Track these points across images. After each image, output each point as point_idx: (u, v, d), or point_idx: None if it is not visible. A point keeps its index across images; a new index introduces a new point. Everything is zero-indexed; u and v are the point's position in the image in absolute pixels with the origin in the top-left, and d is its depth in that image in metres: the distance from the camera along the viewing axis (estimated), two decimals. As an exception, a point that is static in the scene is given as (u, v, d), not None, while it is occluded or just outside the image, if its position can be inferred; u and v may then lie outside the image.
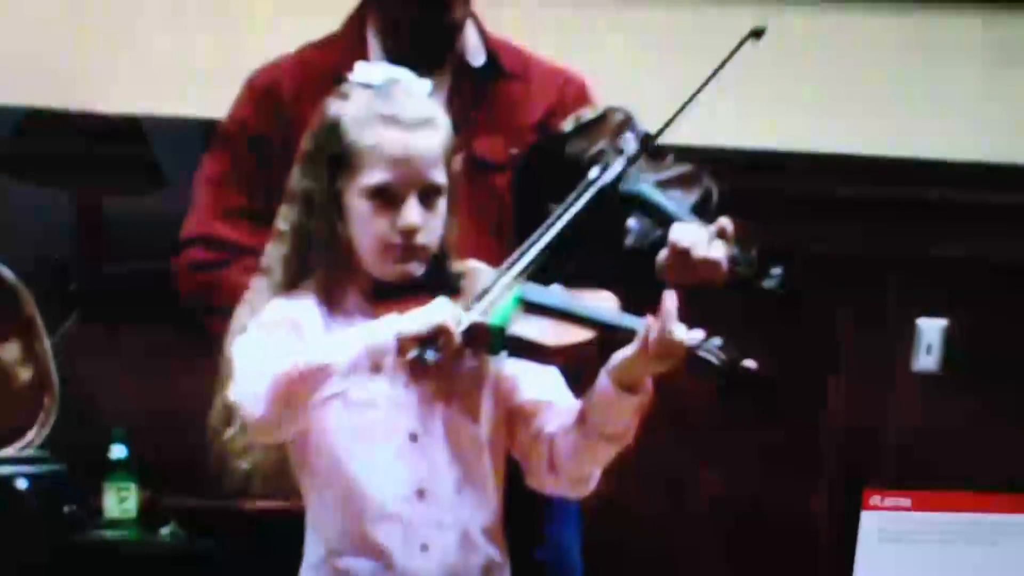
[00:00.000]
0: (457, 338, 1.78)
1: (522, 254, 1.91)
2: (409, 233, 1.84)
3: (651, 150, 2.12)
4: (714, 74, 2.10)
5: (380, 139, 1.84)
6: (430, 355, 1.77)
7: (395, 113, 1.85)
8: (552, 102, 2.32)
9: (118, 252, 3.39)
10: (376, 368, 1.76)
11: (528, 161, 2.25)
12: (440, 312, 1.79)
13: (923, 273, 3.43)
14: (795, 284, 2.06)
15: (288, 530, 1.96)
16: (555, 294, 1.87)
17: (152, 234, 3.15)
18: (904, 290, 3.49)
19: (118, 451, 3.19)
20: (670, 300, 1.76)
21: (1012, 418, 3.39)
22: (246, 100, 2.33)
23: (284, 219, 1.92)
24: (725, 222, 2.05)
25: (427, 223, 1.85)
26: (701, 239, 2.04)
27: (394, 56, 2.23)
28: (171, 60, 3.34)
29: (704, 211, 2.11)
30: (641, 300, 1.83)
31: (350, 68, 1.95)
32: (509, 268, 1.88)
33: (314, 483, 1.91)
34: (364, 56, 2.24)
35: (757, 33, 2.10)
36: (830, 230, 3.38)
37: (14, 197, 3.34)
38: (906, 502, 2.82)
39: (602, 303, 1.86)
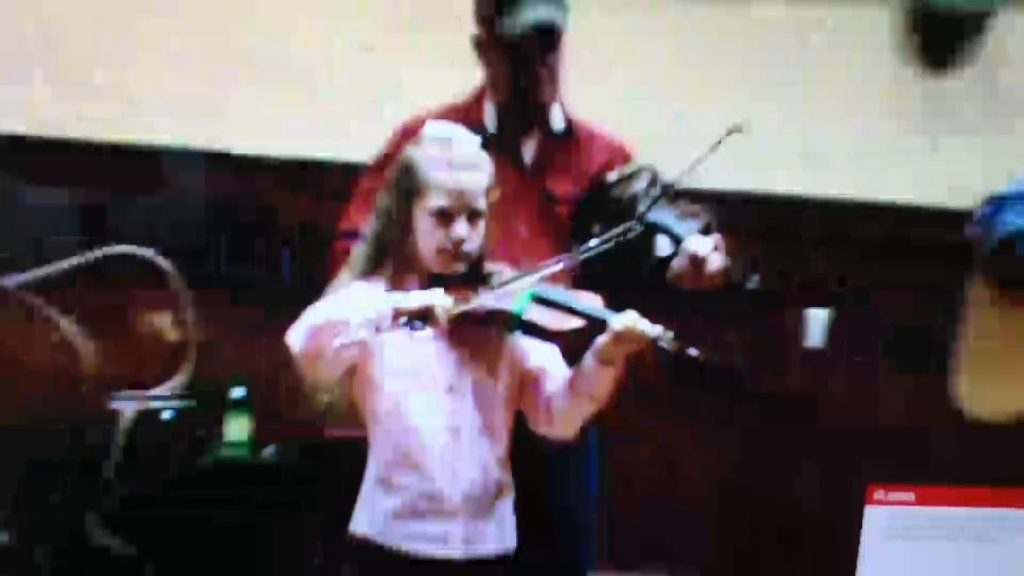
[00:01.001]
0: (441, 319, 2.09)
1: (546, 267, 2.26)
2: (459, 243, 2.23)
3: (671, 194, 2.61)
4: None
5: (441, 176, 2.23)
6: (417, 326, 2.08)
7: (453, 158, 2.24)
8: (605, 158, 2.82)
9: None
10: (378, 328, 2.07)
11: (585, 199, 2.77)
12: (431, 298, 2.10)
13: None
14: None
15: (360, 453, 2.28)
16: (560, 292, 2.21)
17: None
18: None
19: (238, 392, 3.63)
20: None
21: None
22: (396, 138, 2.73)
23: (368, 228, 2.30)
24: (718, 237, 2.56)
25: (471, 236, 2.24)
26: (709, 247, 2.55)
27: (502, 121, 2.76)
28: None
29: (705, 236, 2.63)
30: (625, 300, 2.18)
31: (471, 125, 2.37)
32: (534, 273, 2.22)
33: (376, 419, 2.23)
34: (480, 119, 2.73)
35: None
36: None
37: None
38: (910, 496, 2.70)
39: (591, 301, 2.20)
